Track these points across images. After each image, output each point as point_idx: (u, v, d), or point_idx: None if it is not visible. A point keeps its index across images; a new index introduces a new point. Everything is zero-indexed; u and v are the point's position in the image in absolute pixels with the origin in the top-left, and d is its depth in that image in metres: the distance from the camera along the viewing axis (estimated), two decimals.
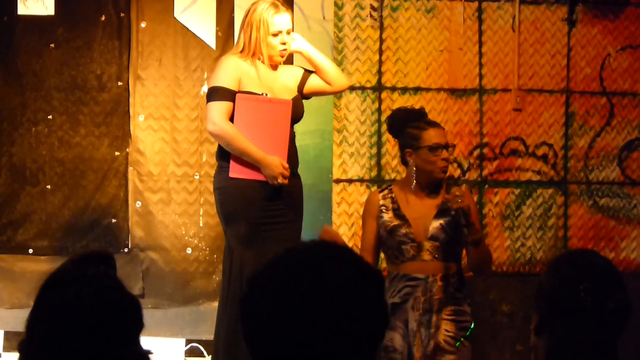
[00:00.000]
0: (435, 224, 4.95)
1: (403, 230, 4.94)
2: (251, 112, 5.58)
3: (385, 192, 5.05)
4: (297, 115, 5.76)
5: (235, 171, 5.57)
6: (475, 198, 6.19)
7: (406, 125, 5.01)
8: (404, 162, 5.05)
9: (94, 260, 2.50)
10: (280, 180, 5.50)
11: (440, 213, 4.95)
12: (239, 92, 5.64)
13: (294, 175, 5.73)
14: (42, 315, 2.40)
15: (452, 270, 4.96)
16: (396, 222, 4.95)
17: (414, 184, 4.96)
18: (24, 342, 2.41)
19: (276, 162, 5.53)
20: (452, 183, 4.97)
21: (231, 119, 5.59)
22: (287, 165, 5.55)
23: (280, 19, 5.66)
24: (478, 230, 4.91)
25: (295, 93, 5.74)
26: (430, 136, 4.93)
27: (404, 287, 4.94)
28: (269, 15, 5.64)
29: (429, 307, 4.89)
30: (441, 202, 4.95)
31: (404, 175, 5.19)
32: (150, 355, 2.50)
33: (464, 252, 5.02)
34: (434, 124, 5.02)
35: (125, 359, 2.37)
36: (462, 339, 4.92)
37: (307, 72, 5.77)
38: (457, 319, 4.94)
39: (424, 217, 4.96)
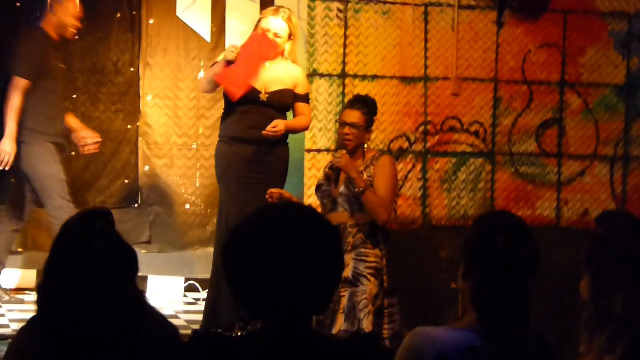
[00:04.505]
0: (345, 182, 4.91)
1: (324, 188, 4.98)
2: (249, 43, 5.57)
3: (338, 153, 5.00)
4: (285, 104, 5.68)
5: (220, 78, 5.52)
6: (419, 166, 6.20)
7: None
8: None
9: (95, 216, 2.47)
10: (231, 50, 5.46)
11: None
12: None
13: (281, 143, 5.65)
14: (57, 261, 2.37)
15: (363, 220, 4.88)
16: (322, 182, 4.99)
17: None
18: (41, 284, 2.38)
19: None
20: (375, 153, 5.01)
21: None
22: (235, 45, 5.54)
23: (274, 20, 5.60)
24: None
25: (285, 86, 5.65)
26: (343, 114, 4.98)
27: None
28: (267, 14, 5.62)
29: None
30: (359, 166, 4.91)
31: None
32: (144, 294, 2.49)
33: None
34: (351, 105, 5.01)
35: (123, 297, 2.36)
36: (367, 275, 4.83)
37: (301, 97, 5.69)
38: (365, 259, 4.84)
39: (344, 177, 4.91)
